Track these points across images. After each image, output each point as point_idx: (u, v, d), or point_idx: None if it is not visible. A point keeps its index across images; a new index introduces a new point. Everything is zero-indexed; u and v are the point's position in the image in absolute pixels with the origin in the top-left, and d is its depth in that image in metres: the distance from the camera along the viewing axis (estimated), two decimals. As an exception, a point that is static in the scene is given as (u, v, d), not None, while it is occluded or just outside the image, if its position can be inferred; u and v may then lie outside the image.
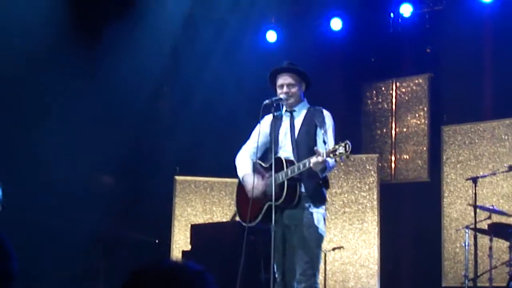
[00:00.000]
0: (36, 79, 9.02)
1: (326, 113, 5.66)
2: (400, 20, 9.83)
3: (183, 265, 1.53)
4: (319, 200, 5.53)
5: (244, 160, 5.84)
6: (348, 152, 5.05)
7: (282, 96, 5.65)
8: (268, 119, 5.77)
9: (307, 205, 5.47)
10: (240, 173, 5.83)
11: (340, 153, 5.07)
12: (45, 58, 8.96)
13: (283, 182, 5.43)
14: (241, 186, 5.89)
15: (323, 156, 5.14)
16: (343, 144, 5.07)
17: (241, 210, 5.92)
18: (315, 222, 5.46)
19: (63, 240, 8.76)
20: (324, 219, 5.55)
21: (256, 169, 5.71)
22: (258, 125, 5.73)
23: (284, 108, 5.75)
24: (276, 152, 5.57)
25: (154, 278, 1.50)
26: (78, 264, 9.02)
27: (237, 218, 6.09)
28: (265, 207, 5.57)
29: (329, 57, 10.22)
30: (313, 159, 5.19)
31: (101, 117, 9.41)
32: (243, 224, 5.75)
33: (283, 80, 5.68)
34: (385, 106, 10.22)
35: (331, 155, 5.12)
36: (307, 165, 5.28)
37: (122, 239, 9.65)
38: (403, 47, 10.06)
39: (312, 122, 5.59)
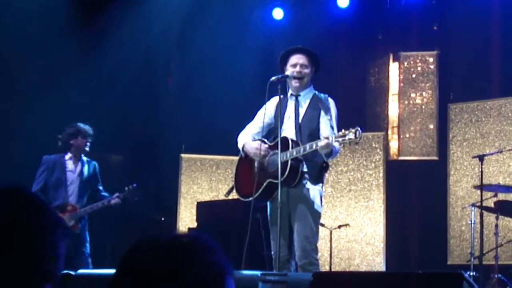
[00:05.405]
0: (41, 58, 8.99)
1: (331, 101, 5.74)
2: (407, -3, 9.76)
3: (182, 233, 1.55)
4: (317, 179, 5.60)
5: (246, 136, 5.87)
6: (358, 139, 5.02)
7: (294, 74, 5.64)
8: (274, 101, 5.82)
9: (304, 182, 5.55)
10: (241, 144, 5.87)
11: (349, 138, 5.05)
12: (50, 38, 8.94)
13: (287, 161, 5.43)
14: (241, 162, 5.93)
15: (331, 140, 5.14)
16: (353, 130, 5.04)
17: (241, 185, 5.95)
18: (312, 197, 5.52)
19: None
20: (321, 196, 5.63)
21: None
22: (264, 106, 5.75)
23: (290, 92, 5.76)
24: (280, 133, 5.58)
25: (153, 248, 1.50)
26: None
27: (238, 196, 6.03)
28: (265, 183, 5.59)
29: (336, 34, 10.14)
30: (321, 142, 5.19)
31: (107, 96, 9.40)
32: (242, 199, 5.79)
33: (297, 59, 5.70)
34: (391, 83, 10.15)
35: (340, 139, 5.11)
36: (313, 147, 5.29)
37: (128, 216, 9.67)
38: (410, 24, 9.97)
39: (317, 108, 5.64)
